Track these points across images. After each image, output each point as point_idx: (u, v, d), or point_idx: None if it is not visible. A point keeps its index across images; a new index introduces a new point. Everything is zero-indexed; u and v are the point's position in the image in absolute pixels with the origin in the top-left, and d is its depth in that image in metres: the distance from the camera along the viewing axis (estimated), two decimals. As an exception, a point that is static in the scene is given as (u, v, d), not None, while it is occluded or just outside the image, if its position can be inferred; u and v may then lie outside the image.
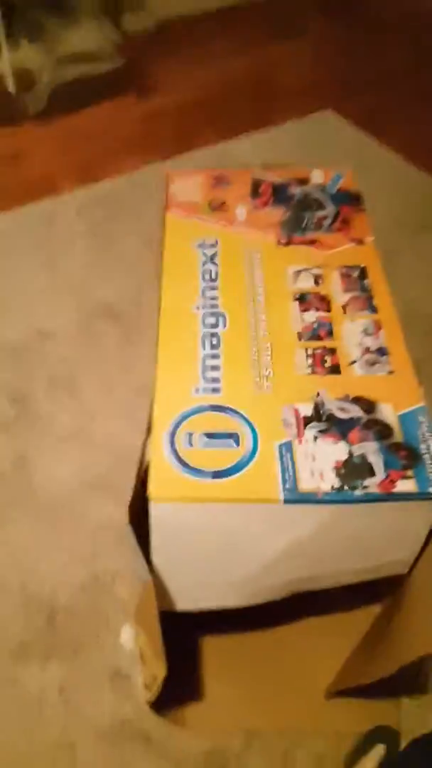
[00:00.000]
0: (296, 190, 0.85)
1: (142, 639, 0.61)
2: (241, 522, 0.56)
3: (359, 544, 0.59)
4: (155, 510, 0.54)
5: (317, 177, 0.88)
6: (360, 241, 0.78)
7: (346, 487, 0.54)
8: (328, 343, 0.66)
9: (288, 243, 0.78)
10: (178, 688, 0.66)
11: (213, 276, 0.74)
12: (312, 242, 0.78)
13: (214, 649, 0.74)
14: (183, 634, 0.66)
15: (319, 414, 0.60)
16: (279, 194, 0.85)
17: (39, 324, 1.19)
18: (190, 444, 0.57)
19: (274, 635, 0.72)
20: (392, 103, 1.81)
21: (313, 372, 0.64)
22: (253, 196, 0.85)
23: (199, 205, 0.84)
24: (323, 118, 1.62)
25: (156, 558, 0.58)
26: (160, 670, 0.55)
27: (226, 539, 0.58)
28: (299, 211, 0.82)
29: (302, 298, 0.71)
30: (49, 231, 1.39)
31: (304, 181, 0.87)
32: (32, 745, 0.72)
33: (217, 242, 0.78)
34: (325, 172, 0.88)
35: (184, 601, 0.62)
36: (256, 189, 0.86)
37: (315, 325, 0.68)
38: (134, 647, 0.70)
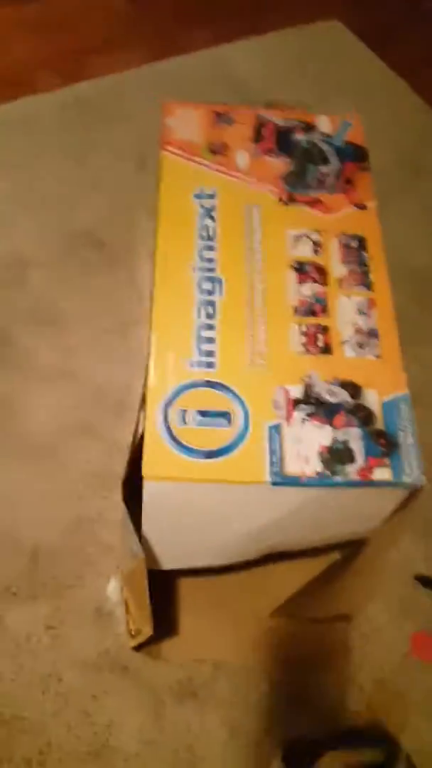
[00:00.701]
0: (301, 138, 0.83)
1: (127, 593, 0.67)
2: (229, 499, 0.61)
3: (335, 518, 0.65)
4: (148, 487, 0.58)
5: (324, 124, 0.84)
6: (362, 206, 0.77)
7: (328, 472, 0.59)
8: (322, 320, 0.68)
9: (289, 201, 0.77)
10: (155, 625, 0.74)
11: (211, 234, 0.73)
12: (314, 202, 0.77)
13: (188, 587, 0.82)
14: (159, 576, 0.73)
15: (308, 396, 0.63)
16: (283, 140, 0.82)
17: (17, 250, 1.15)
18: (184, 421, 0.60)
19: (244, 575, 0.80)
20: (406, 22, 1.67)
21: (306, 351, 0.66)
22: (256, 140, 0.82)
23: (198, 145, 0.81)
24: (328, 29, 1.50)
25: (146, 526, 0.62)
26: (146, 630, 0.62)
27: (214, 514, 0.63)
28: (303, 164, 0.80)
29: (300, 268, 0.72)
30: (25, 140, 1.30)
31: (309, 127, 0.84)
32: (23, 676, 0.80)
33: (215, 193, 0.76)
34: (332, 119, 0.84)
35: (169, 562, 0.68)
36: (259, 132, 0.83)
37: (311, 300, 0.69)
38: (120, 599, 0.78)
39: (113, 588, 0.82)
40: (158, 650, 0.78)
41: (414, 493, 0.60)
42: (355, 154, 0.82)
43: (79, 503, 0.91)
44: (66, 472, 0.94)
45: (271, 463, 0.59)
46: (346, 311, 0.69)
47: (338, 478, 0.59)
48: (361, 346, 0.67)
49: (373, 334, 0.68)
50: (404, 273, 0.94)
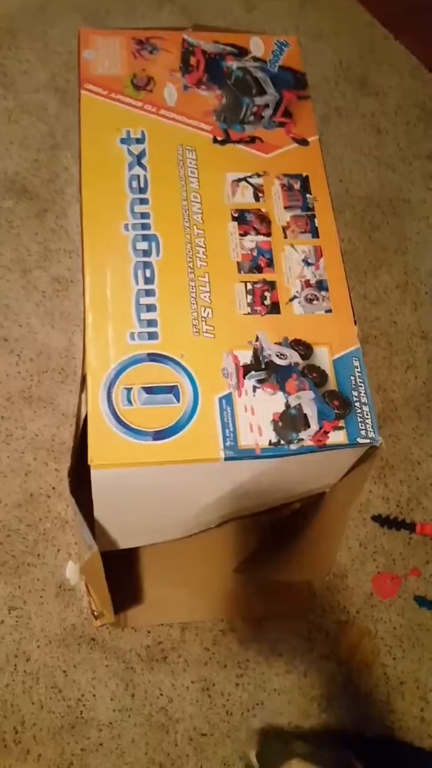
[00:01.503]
0: (233, 65, 0.75)
1: (86, 579, 0.66)
2: (183, 478, 0.59)
3: (293, 480, 0.64)
4: (96, 475, 0.55)
5: (256, 48, 0.77)
6: (303, 141, 0.72)
7: (282, 441, 0.57)
8: (267, 275, 0.64)
9: (225, 140, 0.71)
10: (119, 594, 0.74)
11: (142, 184, 0.67)
12: (251, 140, 0.71)
13: (149, 552, 0.82)
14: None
15: (258, 361, 0.60)
16: (212, 69, 0.75)
17: None
18: (129, 402, 0.57)
19: (205, 536, 0.80)
20: None
21: (253, 311, 0.63)
22: (184, 70, 0.74)
23: (120, 80, 0.73)
24: None
25: (98, 513, 0.61)
26: (108, 616, 0.62)
27: (168, 493, 0.61)
28: (236, 96, 0.74)
29: (241, 218, 0.67)
30: None
31: (241, 52, 0.77)
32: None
33: (144, 135, 0.70)
34: (264, 40, 0.77)
35: (127, 542, 0.67)
36: (186, 60, 0.75)
37: (254, 253, 0.65)
38: (79, 582, 0.77)
39: (71, 569, 0.82)
40: (125, 618, 0.78)
41: (371, 450, 0.60)
42: (293, 81, 0.75)
43: (29, 478, 0.88)
44: (12, 446, 0.91)
45: (224, 438, 0.57)
46: (293, 263, 0.65)
47: (293, 446, 0.57)
48: (310, 300, 0.64)
49: (322, 286, 0.64)
50: (350, 202, 0.90)
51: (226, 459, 0.56)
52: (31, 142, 1.06)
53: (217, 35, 0.76)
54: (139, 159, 0.68)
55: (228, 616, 0.82)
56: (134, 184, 0.67)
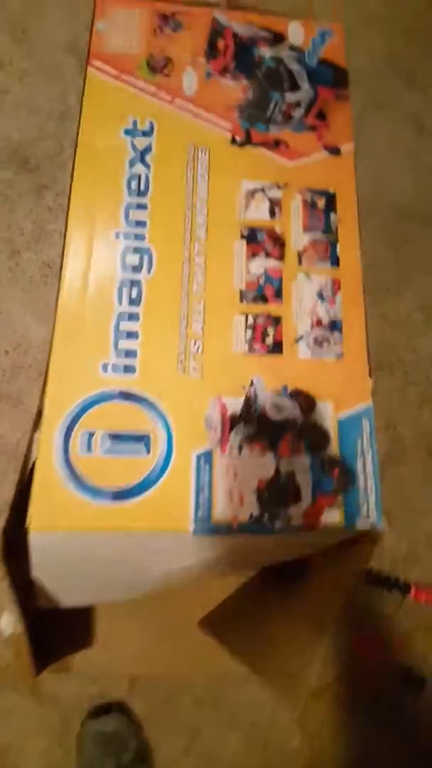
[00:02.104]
0: (266, 53, 0.64)
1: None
2: (141, 548, 0.50)
3: (269, 552, 0.55)
4: (35, 540, 0.46)
5: (295, 35, 0.65)
6: (335, 150, 0.61)
7: (265, 517, 0.48)
8: (274, 307, 0.54)
9: (246, 142, 0.61)
10: (64, 637, 0.66)
11: (142, 186, 0.57)
12: (276, 144, 0.60)
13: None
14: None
15: (249, 412, 0.51)
16: (242, 56, 0.64)
17: None
18: (89, 449, 0.48)
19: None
20: None
21: (251, 350, 0.53)
22: (210, 54, 0.64)
23: (135, 59, 0.62)
24: None
25: (37, 573, 0.52)
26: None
27: (122, 563, 0.52)
28: (265, 90, 0.63)
29: (252, 236, 0.56)
30: None
31: (277, 38, 0.66)
32: None
33: (152, 127, 0.59)
34: (306, 25, 0.66)
35: (70, 601, 0.58)
36: (214, 44, 0.64)
37: (261, 280, 0.55)
38: (15, 632, 0.68)
39: (6, 623, 0.72)
40: (69, 663, 0.70)
41: (371, 537, 0.50)
42: (332, 78, 0.64)
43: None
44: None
45: (196, 506, 0.47)
46: (305, 296, 0.55)
47: (278, 524, 0.48)
48: (319, 343, 0.54)
49: (335, 326, 0.54)
50: (381, 208, 0.79)
51: (195, 533, 0.47)
52: (40, 107, 0.95)
53: (253, 16, 0.65)
54: (142, 155, 0.58)
55: (186, 672, 0.74)
56: (133, 184, 0.57)
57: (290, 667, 0.53)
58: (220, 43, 0.64)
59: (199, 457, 0.48)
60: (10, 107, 0.92)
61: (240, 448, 0.49)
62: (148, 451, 0.48)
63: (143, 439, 0.48)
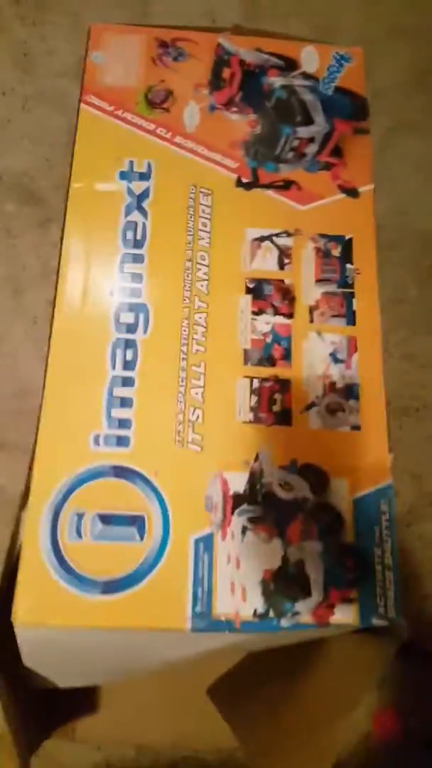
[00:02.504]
0: (275, 82, 0.59)
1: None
2: (135, 642, 0.45)
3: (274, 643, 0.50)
4: (22, 634, 0.42)
5: (309, 61, 0.60)
6: (353, 191, 0.56)
7: (271, 613, 0.43)
8: (281, 370, 0.49)
9: (252, 184, 0.56)
10: (69, 703, 0.62)
11: (139, 235, 0.53)
12: (285, 185, 0.55)
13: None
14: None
15: (254, 490, 0.46)
16: (250, 85, 0.59)
17: None
18: (79, 534, 0.43)
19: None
20: None
21: (256, 419, 0.48)
22: (214, 85, 0.59)
23: (132, 92, 0.57)
24: None
25: (29, 663, 0.48)
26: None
27: (117, 655, 0.48)
28: (276, 123, 0.58)
29: (258, 290, 0.52)
30: None
31: (289, 65, 0.60)
32: None
33: (150, 169, 0.55)
34: (321, 50, 0.60)
35: (68, 684, 0.54)
36: (218, 73, 0.59)
37: (269, 339, 0.50)
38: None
39: None
40: (73, 729, 0.66)
41: (390, 635, 0.45)
42: (350, 109, 0.59)
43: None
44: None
45: (194, 600, 0.43)
46: (317, 357, 0.50)
47: (285, 622, 0.43)
48: (332, 411, 0.49)
49: (351, 393, 0.49)
50: (407, 239, 0.73)
51: (193, 630, 0.42)
52: (44, 136, 0.90)
53: (263, 41, 0.60)
54: (140, 201, 0.53)
55: (194, 744, 0.69)
56: (129, 234, 0.52)
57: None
58: (226, 72, 0.59)
59: (197, 542, 0.44)
60: (13, 137, 0.88)
61: (243, 532, 0.44)
62: (142, 536, 0.43)
63: (137, 522, 0.44)
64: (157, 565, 0.43)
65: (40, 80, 0.92)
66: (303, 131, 0.57)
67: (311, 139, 0.56)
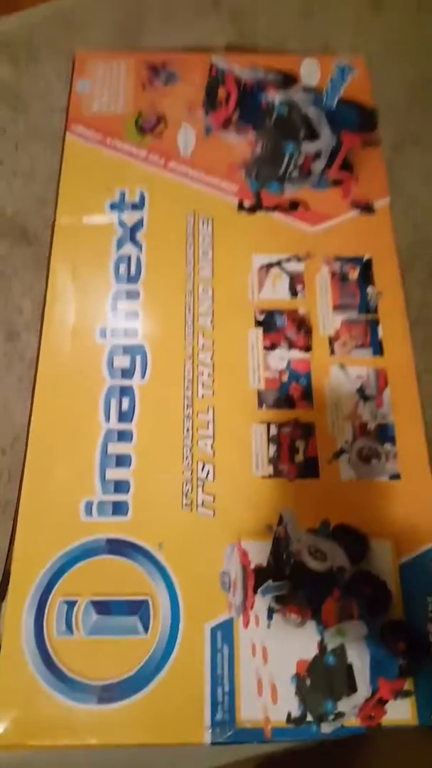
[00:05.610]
0: (275, 98, 0.52)
1: None
2: (140, 764, 0.36)
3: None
4: (3, 758, 0.33)
5: (310, 73, 0.53)
6: (367, 206, 0.48)
7: (309, 716, 0.33)
8: (303, 413, 0.41)
9: (255, 207, 0.48)
10: None
11: (133, 270, 0.45)
12: (292, 206, 0.47)
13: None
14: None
15: (279, 562, 0.37)
16: (247, 104, 0.51)
17: None
18: (69, 628, 0.34)
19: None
20: None
21: (276, 472, 0.39)
22: (209, 106, 0.52)
23: (122, 119, 0.51)
24: None
25: None
26: None
27: None
28: (278, 141, 0.50)
29: (269, 322, 0.43)
30: None
31: (289, 80, 0.53)
32: None
33: (143, 198, 0.47)
34: (322, 61, 0.53)
35: None
36: (213, 93, 0.52)
37: (285, 377, 0.42)
38: None
39: None
40: None
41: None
42: (358, 120, 0.51)
43: None
44: None
45: (214, 705, 0.33)
46: (342, 395, 0.41)
47: (326, 727, 0.33)
48: (366, 458, 0.39)
49: (386, 434, 0.40)
50: (427, 254, 0.64)
51: (213, 743, 0.32)
52: (37, 174, 0.83)
53: (259, 57, 0.53)
54: (132, 233, 0.45)
55: None
56: (122, 269, 0.44)
57: None
58: (221, 92, 0.51)
59: (214, 631, 0.34)
60: (5, 176, 0.80)
61: (270, 615, 0.34)
62: (146, 629, 0.34)
63: (139, 610, 0.34)
64: (166, 663, 0.33)
65: (32, 119, 0.85)
66: (308, 147, 0.49)
67: (317, 155, 0.48)
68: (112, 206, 0.46)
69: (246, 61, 0.53)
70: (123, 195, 0.47)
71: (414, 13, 0.81)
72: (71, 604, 0.34)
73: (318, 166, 0.48)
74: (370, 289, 0.43)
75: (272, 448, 0.39)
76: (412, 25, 0.82)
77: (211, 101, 0.51)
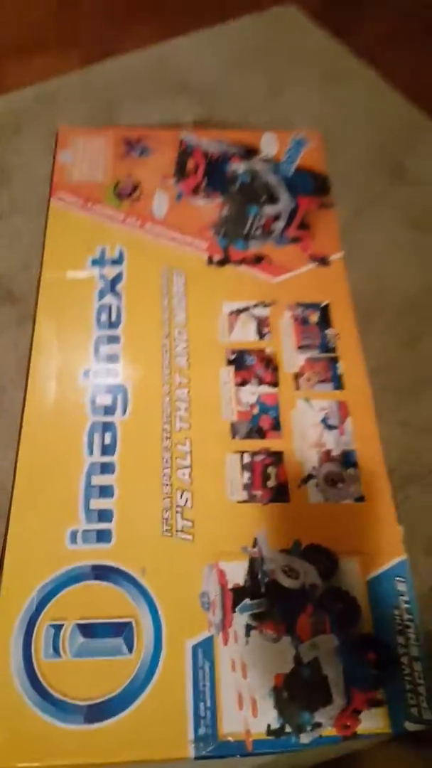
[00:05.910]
0: (239, 168, 0.58)
1: None
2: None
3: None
4: None
5: (269, 146, 0.59)
6: (323, 259, 0.53)
7: (288, 728, 0.35)
8: (273, 442, 0.44)
9: (224, 261, 0.52)
10: None
11: (113, 317, 0.49)
12: (256, 260, 0.52)
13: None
14: None
15: (255, 581, 0.39)
16: (214, 173, 0.57)
17: None
18: (56, 651, 0.36)
19: None
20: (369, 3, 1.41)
21: (250, 497, 0.42)
22: (179, 175, 0.57)
23: (101, 187, 0.56)
24: (281, 15, 1.24)
25: None
26: None
27: None
28: (242, 205, 0.56)
29: (239, 361, 0.47)
30: None
31: (251, 152, 0.59)
32: None
33: (122, 255, 0.52)
34: (280, 136, 0.60)
35: None
36: (183, 165, 0.58)
37: (255, 410, 0.45)
38: None
39: None
40: None
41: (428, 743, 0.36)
42: (312, 186, 0.57)
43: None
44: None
45: (196, 720, 0.34)
46: (307, 425, 0.44)
47: (305, 738, 0.34)
48: (332, 482, 0.42)
49: (349, 460, 0.43)
50: (388, 305, 0.69)
51: (197, 757, 0.33)
52: (22, 239, 0.88)
53: (223, 133, 0.59)
54: (113, 285, 0.49)
55: None
56: (103, 317, 0.48)
57: None
58: (190, 163, 0.57)
59: (195, 649, 0.35)
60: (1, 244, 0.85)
61: (248, 631, 0.36)
62: (131, 649, 0.35)
63: (123, 630, 0.36)
64: (150, 680, 0.34)
65: (16, 191, 0.91)
66: (269, 209, 0.54)
67: (277, 216, 0.54)
68: (94, 262, 0.50)
69: (212, 136, 0.59)
70: (103, 252, 0.51)
71: (373, 86, 0.90)
72: (58, 628, 0.35)
73: (278, 225, 0.53)
74: (329, 331, 0.48)
75: (246, 475, 0.41)
76: (368, 98, 0.92)
77: (181, 171, 0.57)
